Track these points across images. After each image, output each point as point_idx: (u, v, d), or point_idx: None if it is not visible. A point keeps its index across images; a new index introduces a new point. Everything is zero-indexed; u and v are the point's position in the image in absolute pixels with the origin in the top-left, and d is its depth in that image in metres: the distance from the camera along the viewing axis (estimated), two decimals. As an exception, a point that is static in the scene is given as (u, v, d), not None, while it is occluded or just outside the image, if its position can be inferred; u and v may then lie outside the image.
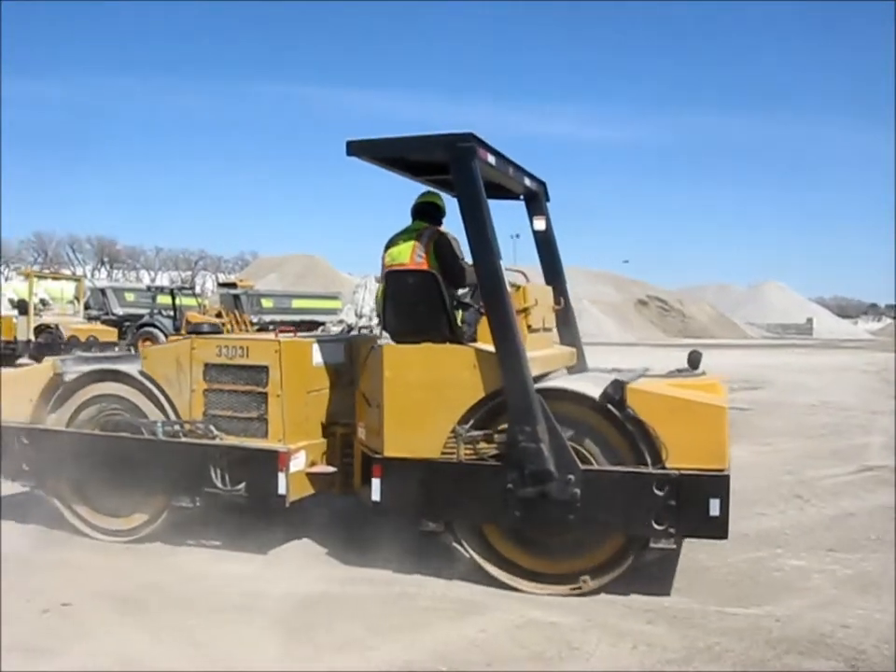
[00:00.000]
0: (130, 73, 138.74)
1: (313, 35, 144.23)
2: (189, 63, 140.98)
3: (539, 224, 5.89)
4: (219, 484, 5.02)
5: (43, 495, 5.67)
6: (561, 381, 4.92)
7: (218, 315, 25.07)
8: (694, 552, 5.11)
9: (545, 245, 6.00)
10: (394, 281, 4.95)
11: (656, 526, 4.32)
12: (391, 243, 5.12)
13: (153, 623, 4.07)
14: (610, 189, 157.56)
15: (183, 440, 5.18)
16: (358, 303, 23.89)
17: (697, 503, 4.26)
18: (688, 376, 5.06)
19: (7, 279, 73.25)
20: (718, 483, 4.27)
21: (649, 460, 4.38)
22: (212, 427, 5.13)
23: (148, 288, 30.26)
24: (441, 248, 4.96)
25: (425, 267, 4.90)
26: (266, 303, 30.70)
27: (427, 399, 4.67)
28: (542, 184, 5.95)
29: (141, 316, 24.54)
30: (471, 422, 4.60)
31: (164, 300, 24.65)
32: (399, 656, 3.72)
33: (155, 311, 24.30)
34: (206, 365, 5.19)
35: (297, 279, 64.93)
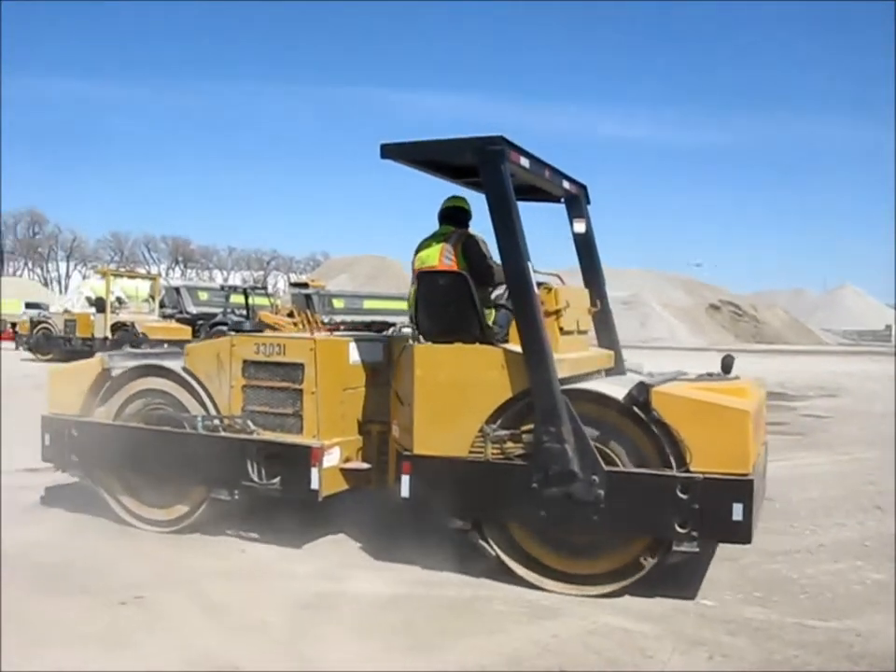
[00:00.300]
0: (203, 74, 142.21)
1: (383, 35, 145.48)
2: (272, 65, 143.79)
3: (579, 227, 5.93)
4: (255, 478, 5.20)
5: (91, 485, 5.94)
6: (591, 383, 4.95)
7: (290, 315, 25.44)
8: (772, 562, 5.08)
9: (585, 247, 6.03)
10: (425, 282, 5.07)
11: (679, 529, 4.33)
12: (420, 247, 5.26)
13: (231, 619, 4.16)
14: (683, 192, 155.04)
15: (222, 434, 5.39)
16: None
17: (720, 507, 4.26)
18: (719, 380, 5.04)
19: (84, 277, 76.14)
20: (741, 488, 4.27)
21: (673, 463, 4.39)
22: (249, 423, 5.32)
23: (222, 288, 30.94)
24: (469, 249, 5.08)
25: (454, 268, 5.01)
26: (337, 303, 31.10)
27: (457, 398, 4.77)
28: (583, 187, 5.98)
29: (214, 315, 24.95)
30: (499, 421, 4.69)
31: (237, 299, 25.13)
32: (472, 659, 3.77)
33: (228, 310, 24.75)
34: (245, 362, 5.39)
35: (367, 280, 65.76)
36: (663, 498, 4.35)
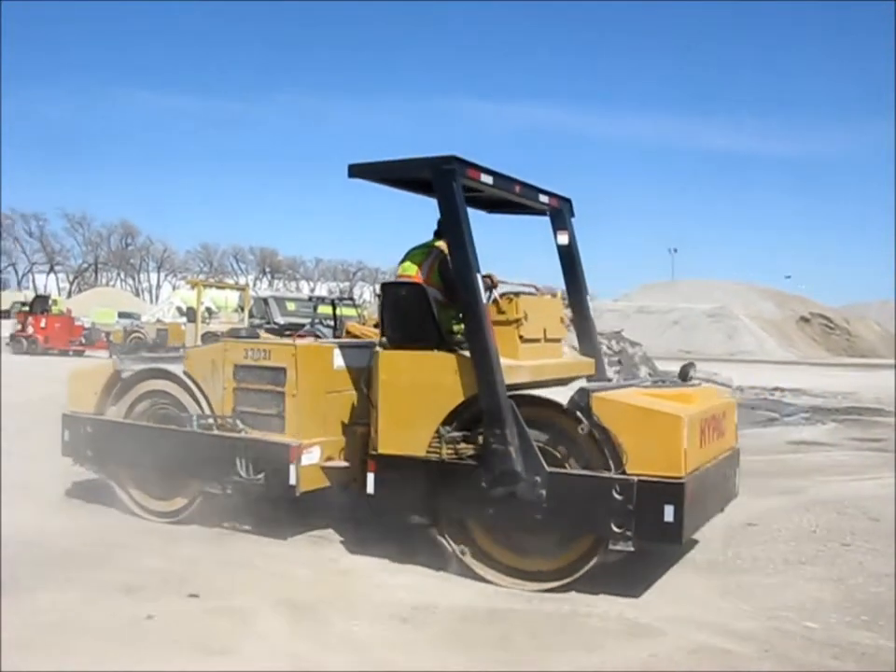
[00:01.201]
0: (291, 88, 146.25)
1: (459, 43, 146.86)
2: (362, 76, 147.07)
3: (562, 239, 6.30)
4: (243, 473, 5.72)
5: (104, 478, 6.60)
6: (544, 389, 5.26)
7: (377, 325, 26.14)
8: (878, 585, 5.08)
9: (568, 258, 6.37)
10: (388, 293, 5.54)
11: (615, 529, 4.62)
12: (404, 257, 5.72)
13: (322, 628, 4.27)
14: (773, 204, 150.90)
15: (214, 432, 5.94)
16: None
17: (653, 508, 4.55)
18: (672, 387, 5.31)
19: (174, 288, 79.37)
20: (673, 490, 4.53)
21: (612, 465, 4.70)
22: (238, 422, 5.85)
23: (310, 298, 32.03)
24: (443, 265, 5.51)
25: (425, 281, 5.48)
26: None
27: (416, 401, 5.19)
28: (566, 201, 6.34)
29: (302, 325, 25.66)
30: (454, 424, 5.08)
31: (325, 309, 25.86)
32: (569, 676, 3.82)
33: (316, 320, 25.55)
34: (236, 366, 5.93)
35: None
36: (600, 499, 4.65)
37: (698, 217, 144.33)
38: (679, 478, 4.55)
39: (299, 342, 5.97)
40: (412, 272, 5.61)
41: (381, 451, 5.28)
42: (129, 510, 6.39)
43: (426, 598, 4.69)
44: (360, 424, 5.93)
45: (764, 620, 4.47)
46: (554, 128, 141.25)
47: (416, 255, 5.70)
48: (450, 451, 5.06)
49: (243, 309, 24.08)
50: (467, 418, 5.07)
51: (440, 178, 5.06)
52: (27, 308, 32.11)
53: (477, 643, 4.14)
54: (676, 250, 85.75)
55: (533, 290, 5.97)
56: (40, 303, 32.23)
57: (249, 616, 4.38)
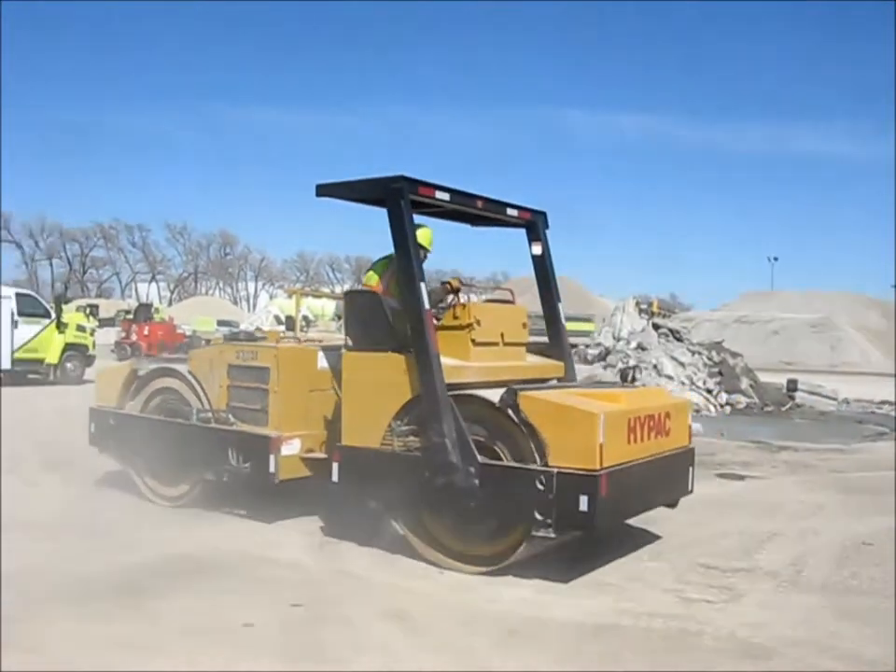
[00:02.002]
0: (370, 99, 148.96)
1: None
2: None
3: (536, 249, 6.90)
4: (234, 462, 6.50)
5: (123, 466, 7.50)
6: (483, 389, 5.77)
7: None
8: None
9: (541, 267, 6.95)
10: (349, 300, 6.30)
11: (538, 517, 5.14)
12: (370, 267, 6.41)
13: (433, 641, 4.35)
14: (877, 210, 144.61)
15: (211, 425, 6.75)
16: (616, 326, 24.35)
17: (570, 498, 5.05)
18: (607, 387, 5.81)
19: (271, 296, 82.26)
20: (587, 482, 5.03)
21: (536, 458, 5.24)
22: (231, 416, 6.65)
23: None
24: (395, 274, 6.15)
25: (380, 290, 6.15)
26: None
27: (372, 397, 5.85)
28: (541, 214, 6.92)
29: None
30: (404, 418, 5.71)
31: None
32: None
33: None
34: (229, 365, 6.75)
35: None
36: (525, 489, 5.18)
37: (799, 224, 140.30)
38: (594, 470, 5.04)
39: (280, 344, 6.73)
40: (373, 281, 6.33)
41: (344, 443, 5.96)
42: (143, 495, 7.27)
43: (535, 612, 4.77)
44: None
45: (889, 646, 4.33)
46: (659, 137, 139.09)
47: (379, 266, 6.40)
48: (400, 443, 5.69)
49: (339, 317, 25.20)
50: (415, 414, 5.69)
51: (388, 197, 5.72)
52: (131, 316, 34.22)
53: (589, 660, 4.16)
54: (776, 259, 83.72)
55: (510, 295, 6.67)
56: (143, 312, 34.20)
57: (362, 628, 4.48)
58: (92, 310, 33.30)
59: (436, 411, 5.45)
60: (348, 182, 6.02)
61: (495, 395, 5.48)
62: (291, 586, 5.09)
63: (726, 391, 17.70)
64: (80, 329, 20.43)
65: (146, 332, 31.11)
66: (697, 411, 16.22)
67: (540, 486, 5.13)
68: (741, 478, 9.36)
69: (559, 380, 6.64)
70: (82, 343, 20.18)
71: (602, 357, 19.82)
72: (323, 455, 6.51)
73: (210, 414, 6.78)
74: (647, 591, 5.22)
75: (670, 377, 17.30)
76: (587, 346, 30.73)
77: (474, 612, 4.77)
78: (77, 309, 25.61)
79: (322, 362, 6.67)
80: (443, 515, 5.65)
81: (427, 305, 5.59)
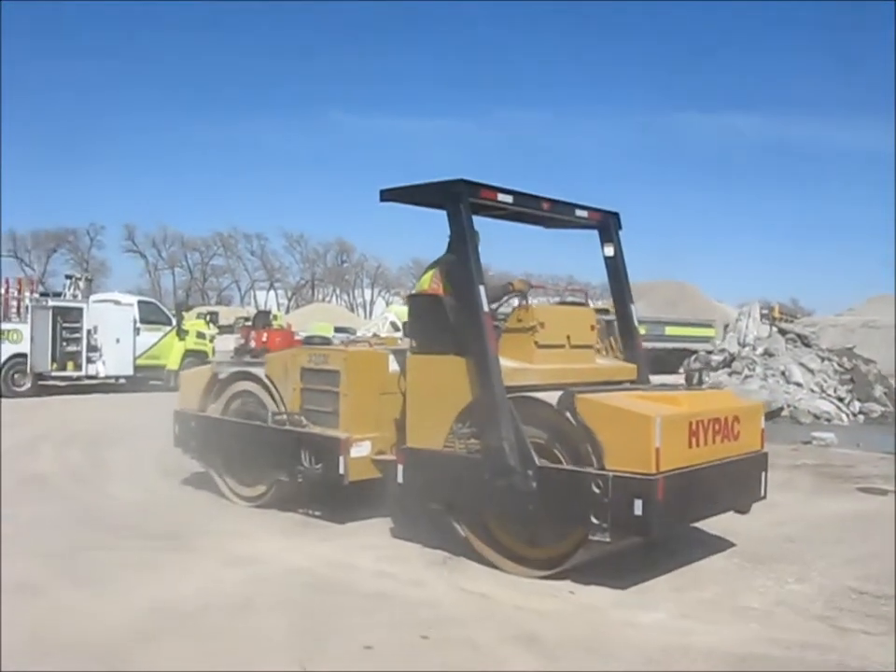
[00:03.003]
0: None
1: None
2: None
3: (608, 251, 7.00)
4: (306, 464, 6.85)
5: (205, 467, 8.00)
6: (543, 392, 5.86)
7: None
8: None
9: (614, 269, 7.05)
10: (412, 304, 6.57)
11: (594, 521, 5.24)
12: (425, 270, 6.64)
13: (567, 666, 4.29)
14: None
15: (284, 427, 7.12)
16: (741, 331, 23.92)
17: (625, 502, 5.12)
18: (669, 390, 5.84)
19: (388, 303, 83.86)
20: (641, 486, 5.09)
21: (594, 461, 5.33)
22: (303, 418, 7.01)
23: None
24: (451, 276, 6.37)
25: (439, 292, 6.34)
26: (640, 330, 31.93)
27: (435, 400, 6.08)
28: (613, 215, 7.02)
29: None
30: (465, 421, 5.91)
31: None
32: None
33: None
34: (302, 369, 7.11)
35: (666, 306, 65.58)
36: (582, 493, 5.28)
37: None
38: (650, 474, 5.10)
39: (351, 348, 7.05)
40: (426, 284, 6.57)
41: (409, 444, 6.21)
42: (223, 494, 7.73)
43: (675, 640, 4.62)
44: None
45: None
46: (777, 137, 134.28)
47: (432, 268, 6.64)
48: (462, 445, 5.89)
49: None
50: (475, 416, 5.86)
51: (448, 200, 5.95)
52: (249, 323, 35.64)
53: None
54: None
55: (584, 297, 6.73)
56: (262, 318, 35.14)
57: (489, 654, 4.41)
58: (212, 317, 34.69)
59: (494, 413, 5.61)
60: (410, 186, 6.28)
61: (552, 397, 5.60)
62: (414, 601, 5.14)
63: (859, 399, 17.14)
64: (200, 336, 21.56)
65: (264, 339, 32.16)
66: (828, 420, 15.83)
67: (596, 490, 5.21)
68: (885, 492, 9.02)
69: (631, 383, 6.70)
70: (202, 349, 21.27)
71: (727, 363, 19.46)
72: (394, 457, 6.77)
73: (284, 417, 7.16)
74: (795, 617, 5.01)
75: (799, 384, 16.92)
76: (709, 352, 30.11)
77: (609, 637, 4.64)
78: (198, 316, 26.88)
79: (393, 365, 6.94)
80: (503, 518, 5.80)
81: (485, 307, 5.77)
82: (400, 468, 6.23)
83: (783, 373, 17.03)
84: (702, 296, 72.38)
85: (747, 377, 16.59)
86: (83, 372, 18.72)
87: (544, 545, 5.69)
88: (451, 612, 4.99)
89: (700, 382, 6.06)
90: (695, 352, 29.01)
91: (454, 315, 6.11)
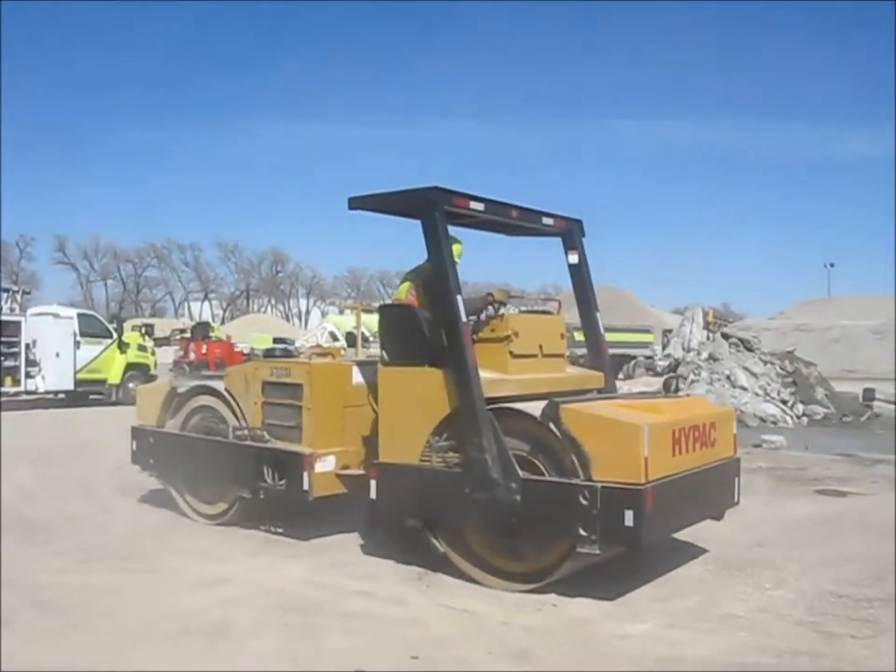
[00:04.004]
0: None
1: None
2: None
3: (573, 258, 6.87)
4: (269, 480, 6.55)
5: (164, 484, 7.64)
6: (525, 403, 5.73)
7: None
8: None
9: (578, 276, 6.91)
10: (384, 314, 6.33)
11: (582, 533, 5.08)
12: (402, 280, 6.43)
13: None
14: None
15: (246, 443, 6.81)
16: (686, 336, 24.16)
17: (615, 513, 4.98)
18: (649, 398, 5.73)
19: (323, 314, 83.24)
20: (632, 496, 4.95)
21: (580, 472, 5.18)
22: (265, 433, 6.72)
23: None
24: (428, 287, 6.16)
25: (415, 303, 6.14)
26: (578, 336, 32.07)
27: (410, 412, 5.85)
28: (577, 222, 6.89)
29: None
30: (443, 434, 5.70)
31: None
32: None
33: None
34: (264, 382, 6.81)
35: (602, 311, 66.25)
36: (568, 504, 5.12)
37: (856, 229, 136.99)
38: (640, 484, 4.96)
39: (314, 360, 6.79)
40: (402, 294, 6.33)
41: (381, 459, 5.96)
42: (183, 512, 7.38)
43: (666, 650, 4.54)
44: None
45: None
46: (704, 142, 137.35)
47: (409, 278, 6.40)
48: (439, 459, 5.68)
49: None
50: (454, 429, 5.66)
51: (422, 208, 5.74)
52: (188, 335, 34.76)
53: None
54: (832, 265, 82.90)
55: (556, 306, 6.71)
56: (201, 330, 34.46)
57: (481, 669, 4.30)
58: (148, 329, 33.90)
59: (475, 425, 5.42)
60: (381, 194, 6.05)
61: (535, 408, 5.43)
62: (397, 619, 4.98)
63: (802, 402, 17.43)
64: (142, 348, 20.94)
65: (203, 351, 31.49)
66: (774, 422, 16.06)
67: (584, 501, 5.06)
68: (843, 494, 9.09)
69: (599, 391, 6.58)
70: (144, 362, 20.66)
71: (672, 368, 19.67)
72: (359, 472, 6.51)
73: (246, 432, 6.86)
74: (781, 624, 4.96)
75: (744, 388, 17.12)
76: (648, 358, 30.46)
77: (600, 651, 4.56)
78: (133, 329, 26.18)
79: (357, 377, 6.70)
80: (484, 532, 5.61)
81: (463, 318, 5.58)
82: (373, 483, 5.99)
83: (728, 377, 17.23)
84: (636, 301, 73.36)
85: (693, 382, 16.75)
86: (22, 388, 17.98)
87: (527, 559, 5.52)
88: (437, 631, 4.83)
89: (677, 389, 5.95)
90: (634, 357, 29.37)
91: (429, 325, 5.91)
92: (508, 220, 6.39)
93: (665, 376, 5.81)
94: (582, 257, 6.85)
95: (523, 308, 7.36)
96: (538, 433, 5.42)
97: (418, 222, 5.84)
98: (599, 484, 5.05)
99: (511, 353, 5.91)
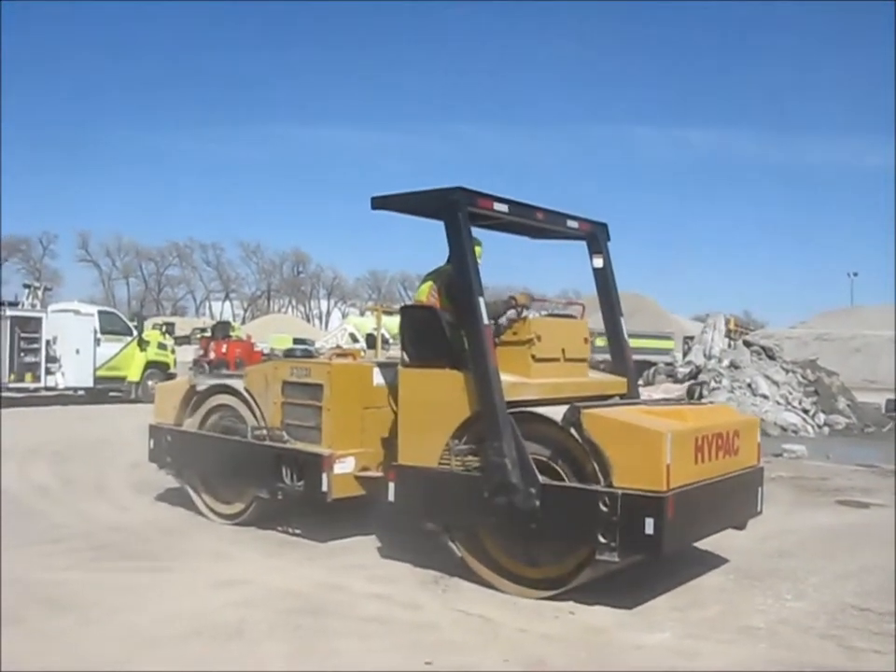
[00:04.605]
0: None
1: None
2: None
3: (597, 262, 6.78)
4: (287, 481, 6.51)
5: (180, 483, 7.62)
6: (546, 407, 5.66)
7: None
8: None
9: (602, 280, 6.82)
10: (406, 315, 6.26)
11: (602, 540, 5.00)
12: (421, 281, 6.37)
13: None
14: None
15: (264, 443, 6.77)
16: (707, 343, 24.05)
17: (635, 521, 4.89)
18: (673, 405, 5.64)
19: (344, 315, 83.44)
20: (653, 504, 4.87)
21: (600, 478, 5.10)
22: (284, 434, 6.67)
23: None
24: (449, 289, 6.10)
25: (436, 305, 6.08)
26: (599, 341, 32.05)
27: (430, 415, 5.78)
28: (602, 225, 6.81)
29: None
30: (462, 437, 5.63)
31: None
32: None
33: None
34: (283, 382, 6.76)
35: (625, 318, 66.03)
36: (588, 511, 5.04)
37: (880, 238, 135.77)
38: (661, 492, 4.87)
39: (335, 361, 6.74)
40: (423, 296, 6.27)
41: (400, 462, 5.90)
42: (200, 512, 7.36)
43: (684, 662, 4.47)
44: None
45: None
46: (729, 152, 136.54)
47: (429, 279, 6.34)
48: (458, 463, 5.61)
49: None
50: (474, 432, 5.60)
51: (445, 209, 5.67)
52: (208, 334, 34.87)
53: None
54: (856, 274, 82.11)
55: (580, 310, 6.68)
56: (221, 329, 34.71)
57: None
58: (168, 328, 33.92)
59: (495, 429, 5.35)
60: (405, 194, 5.99)
61: (557, 413, 5.36)
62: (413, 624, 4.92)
63: (823, 411, 17.24)
64: (162, 346, 20.98)
65: (224, 350, 31.56)
66: (795, 432, 15.88)
67: (604, 508, 4.98)
68: (865, 505, 8.96)
69: (622, 397, 6.51)
70: (163, 360, 20.75)
71: (693, 375, 19.48)
72: (378, 474, 6.46)
73: (264, 432, 6.82)
74: (802, 636, 4.87)
75: (766, 396, 16.96)
76: (668, 364, 30.25)
77: (618, 661, 4.48)
78: (153, 327, 26.25)
79: (378, 379, 6.65)
80: (503, 537, 5.54)
81: (485, 320, 5.51)
82: (392, 485, 5.93)
83: (749, 385, 17.05)
84: (658, 308, 73.02)
85: (714, 389, 16.59)
86: (42, 384, 18.05)
87: (545, 565, 5.44)
88: (452, 636, 4.76)
89: (701, 396, 5.86)
90: (655, 364, 29.23)
91: (450, 327, 5.84)
92: (532, 222, 6.32)
93: (688, 383, 5.71)
94: (607, 261, 6.77)
95: (544, 312, 7.27)
96: (558, 438, 5.34)
97: (440, 223, 5.79)
98: (620, 491, 4.96)
99: (533, 356, 5.84)
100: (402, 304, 6.28)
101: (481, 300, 5.52)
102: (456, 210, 5.62)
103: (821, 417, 16.90)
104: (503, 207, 5.92)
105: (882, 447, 14.98)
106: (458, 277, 5.66)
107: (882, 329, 51.31)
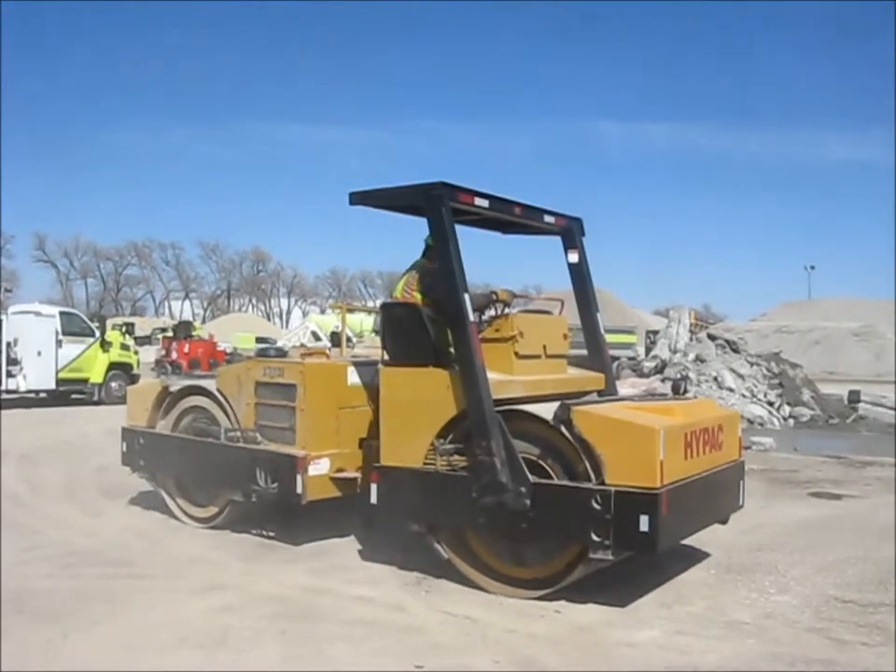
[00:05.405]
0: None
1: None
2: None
3: (573, 257, 6.66)
4: (261, 483, 6.29)
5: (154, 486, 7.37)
6: (534, 405, 5.53)
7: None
8: None
9: (578, 276, 6.70)
10: (385, 312, 6.07)
11: (595, 538, 4.88)
12: (400, 277, 6.20)
13: None
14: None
15: (238, 445, 6.54)
16: (672, 338, 24.19)
17: (629, 518, 4.78)
18: (660, 400, 5.55)
19: (304, 313, 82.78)
20: (647, 501, 4.75)
21: (592, 476, 4.97)
22: (258, 435, 6.45)
23: None
24: (422, 283, 5.96)
25: (411, 300, 5.92)
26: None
27: (413, 415, 5.61)
28: (577, 220, 6.69)
29: None
30: (448, 436, 5.46)
31: None
32: None
33: None
34: (256, 383, 6.54)
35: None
36: (581, 509, 4.91)
37: (835, 232, 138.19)
38: (655, 489, 4.76)
39: (307, 360, 6.54)
40: (397, 292, 6.11)
41: (383, 463, 5.72)
42: (174, 515, 7.13)
43: (676, 658, 4.42)
44: (377, 438, 6.41)
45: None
46: (688, 146, 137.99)
47: (402, 276, 6.16)
48: (444, 462, 5.44)
49: (377, 333, 25.10)
50: (460, 431, 5.44)
51: (429, 204, 5.50)
52: (170, 334, 34.20)
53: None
54: (813, 267, 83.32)
55: (559, 305, 6.53)
56: (183, 329, 33.95)
57: None
58: (128, 328, 33.31)
59: (483, 428, 5.20)
60: (384, 189, 5.81)
61: (546, 410, 5.23)
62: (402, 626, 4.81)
63: (788, 403, 17.32)
64: (125, 347, 20.49)
65: (186, 350, 31.04)
66: (761, 424, 15.95)
67: (597, 506, 4.87)
68: (838, 497, 8.94)
69: (600, 392, 6.40)
70: (127, 361, 20.22)
71: (659, 369, 19.53)
72: (355, 475, 6.28)
73: (238, 433, 6.60)
74: (789, 630, 4.82)
75: (731, 389, 17.00)
76: (631, 359, 30.37)
77: (609, 659, 4.41)
78: (113, 327, 25.68)
79: (353, 378, 6.47)
80: (491, 537, 5.40)
81: (471, 317, 5.36)
82: (374, 487, 5.76)
83: (715, 379, 17.11)
84: (618, 302, 73.27)
85: (674, 381, 16.54)
86: (3, 387, 17.50)
87: (533, 565, 5.31)
88: (440, 638, 4.65)
89: (685, 391, 5.77)
90: (617, 358, 29.34)
91: (433, 324, 5.68)
92: (510, 217, 6.18)
93: (654, 377, 5.61)
94: (582, 256, 6.65)
95: (524, 308, 7.14)
96: (548, 436, 5.21)
97: (412, 218, 5.67)
98: (613, 489, 4.85)
99: (516, 353, 5.71)
100: (383, 301, 6.07)
101: (466, 296, 5.37)
102: (440, 205, 5.45)
103: (787, 409, 16.99)
104: (484, 202, 5.77)
105: (846, 438, 15.11)
106: (443, 273, 5.49)
107: (840, 320, 52.09)
